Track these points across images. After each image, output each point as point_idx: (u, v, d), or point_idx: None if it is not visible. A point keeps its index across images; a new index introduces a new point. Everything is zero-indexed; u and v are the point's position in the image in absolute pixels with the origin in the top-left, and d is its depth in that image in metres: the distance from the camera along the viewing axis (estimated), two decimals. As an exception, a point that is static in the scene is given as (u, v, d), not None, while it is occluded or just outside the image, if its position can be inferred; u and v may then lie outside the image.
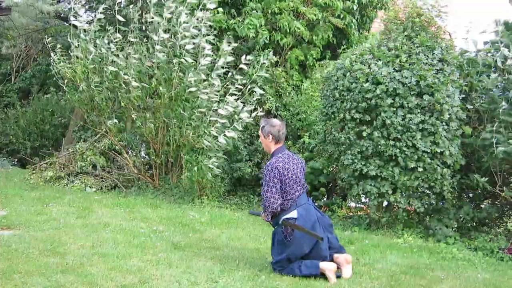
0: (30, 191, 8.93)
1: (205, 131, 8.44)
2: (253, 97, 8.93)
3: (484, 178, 7.41)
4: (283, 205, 5.40)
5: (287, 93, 10.11)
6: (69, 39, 9.44)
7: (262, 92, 9.04)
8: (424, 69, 7.44)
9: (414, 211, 7.89)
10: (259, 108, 8.76)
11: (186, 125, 8.74)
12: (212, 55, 8.67)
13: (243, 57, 8.76)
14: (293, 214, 5.39)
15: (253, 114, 8.64)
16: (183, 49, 8.55)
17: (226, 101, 8.47)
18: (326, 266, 5.31)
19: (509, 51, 7.56)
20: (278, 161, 5.43)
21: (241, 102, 8.71)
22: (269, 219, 5.48)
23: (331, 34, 11.00)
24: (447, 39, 8.46)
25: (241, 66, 8.71)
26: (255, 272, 5.34)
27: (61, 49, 9.61)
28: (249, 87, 9.03)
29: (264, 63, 8.97)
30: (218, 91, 8.66)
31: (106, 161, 10.51)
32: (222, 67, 8.71)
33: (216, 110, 8.43)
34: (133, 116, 9.37)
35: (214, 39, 8.91)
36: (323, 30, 10.89)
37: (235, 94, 8.74)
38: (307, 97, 10.33)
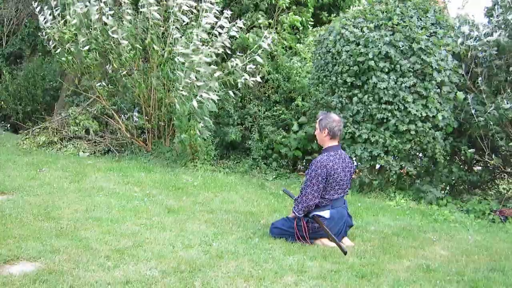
0: (23, 156, 8.90)
1: (175, 94, 8.33)
2: (252, 65, 8.82)
3: (472, 149, 7.53)
4: (319, 202, 5.27)
5: (280, 56, 10.03)
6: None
7: (261, 61, 8.88)
8: (417, 32, 7.41)
9: (406, 173, 7.94)
10: (250, 77, 8.68)
11: (172, 87, 8.67)
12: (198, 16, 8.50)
13: (239, 21, 8.60)
14: (326, 214, 5.27)
15: (243, 79, 8.57)
16: (179, 9, 8.42)
17: (201, 51, 8.16)
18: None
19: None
20: (328, 160, 5.21)
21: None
22: (301, 215, 5.27)
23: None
24: (441, 1, 8.41)
25: (232, 33, 8.62)
26: (248, 235, 5.38)
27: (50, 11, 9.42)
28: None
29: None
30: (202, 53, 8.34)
31: (99, 126, 10.46)
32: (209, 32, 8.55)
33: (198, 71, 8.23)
34: (124, 77, 9.27)
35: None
36: None
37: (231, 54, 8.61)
38: (300, 60, 10.26)
